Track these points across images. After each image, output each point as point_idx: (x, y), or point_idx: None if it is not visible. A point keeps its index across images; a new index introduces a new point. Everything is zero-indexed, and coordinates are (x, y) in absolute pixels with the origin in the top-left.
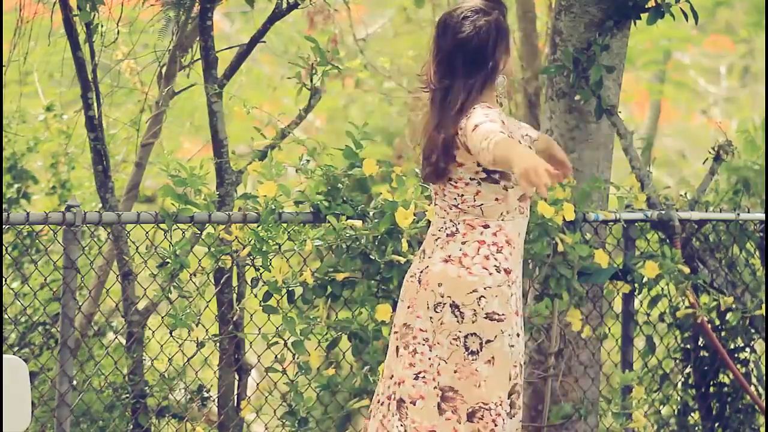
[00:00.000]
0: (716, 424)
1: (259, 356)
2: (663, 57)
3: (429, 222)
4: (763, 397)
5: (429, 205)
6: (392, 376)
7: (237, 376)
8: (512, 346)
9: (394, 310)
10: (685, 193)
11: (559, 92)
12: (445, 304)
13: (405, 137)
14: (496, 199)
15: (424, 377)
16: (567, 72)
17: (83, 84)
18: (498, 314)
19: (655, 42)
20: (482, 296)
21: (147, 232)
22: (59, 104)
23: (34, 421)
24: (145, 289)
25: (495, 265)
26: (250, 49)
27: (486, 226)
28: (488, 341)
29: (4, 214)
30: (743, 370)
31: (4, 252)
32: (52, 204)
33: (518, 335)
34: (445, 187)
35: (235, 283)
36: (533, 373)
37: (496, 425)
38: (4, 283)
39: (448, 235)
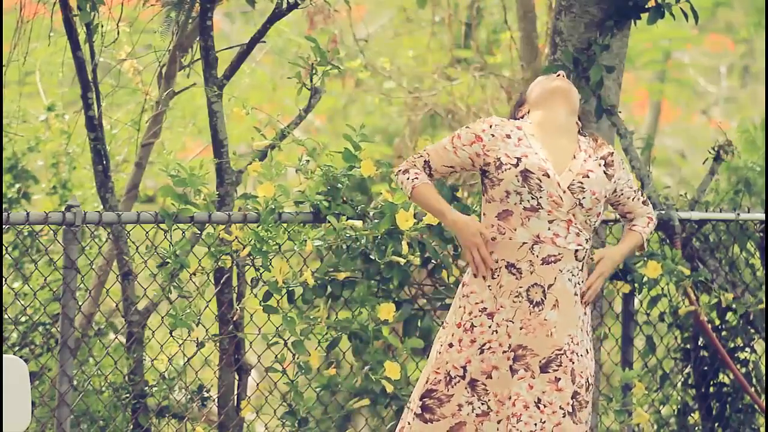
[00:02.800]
0: (716, 424)
1: (259, 356)
2: (663, 57)
3: (429, 224)
4: (763, 397)
5: None
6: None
7: (237, 376)
8: (439, 353)
9: (397, 309)
10: (685, 193)
11: None
12: None
13: (405, 137)
14: (483, 214)
15: None
16: (567, 72)
17: (83, 84)
18: (446, 322)
19: (655, 42)
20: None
21: (147, 232)
22: (60, 104)
23: (34, 421)
24: (145, 289)
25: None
26: (250, 49)
27: None
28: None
29: (5, 214)
30: (743, 370)
31: (4, 252)
32: (53, 204)
33: (450, 345)
34: None
35: (235, 283)
36: None
37: (405, 422)
38: (4, 283)
39: None
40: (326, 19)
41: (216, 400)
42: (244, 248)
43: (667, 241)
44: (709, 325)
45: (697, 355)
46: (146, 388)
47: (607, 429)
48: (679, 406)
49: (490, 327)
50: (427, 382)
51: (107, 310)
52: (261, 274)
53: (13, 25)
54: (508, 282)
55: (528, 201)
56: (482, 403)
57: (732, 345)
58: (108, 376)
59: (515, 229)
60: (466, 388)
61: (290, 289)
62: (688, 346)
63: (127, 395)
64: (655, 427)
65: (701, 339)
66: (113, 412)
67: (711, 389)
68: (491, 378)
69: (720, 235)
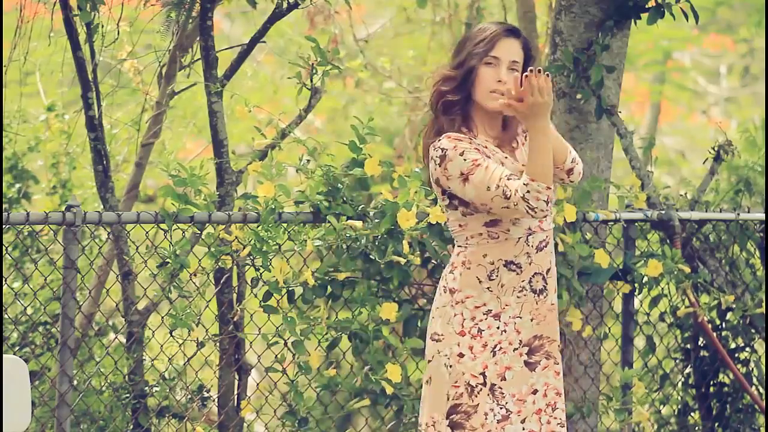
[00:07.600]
0: (716, 424)
1: (259, 356)
2: (663, 57)
3: (430, 223)
4: (763, 397)
5: (430, 206)
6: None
7: (237, 376)
8: (450, 366)
9: (399, 309)
10: (685, 193)
11: (559, 92)
12: None
13: (405, 137)
14: (459, 225)
15: None
16: (567, 72)
17: (83, 84)
18: (438, 334)
19: (655, 42)
20: (432, 317)
21: (147, 232)
22: (60, 104)
23: (34, 421)
24: (145, 289)
25: (443, 286)
26: (251, 49)
27: (458, 248)
28: (429, 361)
29: (5, 214)
30: (743, 370)
31: (4, 252)
32: (53, 204)
33: (461, 355)
34: None
35: (235, 283)
36: None
37: None
38: (4, 283)
39: None
40: (326, 20)
41: (216, 400)
42: (244, 248)
43: (667, 241)
44: (710, 325)
45: (697, 355)
46: (146, 388)
47: (607, 429)
48: (679, 406)
49: (498, 328)
50: (448, 399)
51: (107, 310)
52: (261, 274)
53: (13, 25)
54: (509, 280)
55: None
56: (501, 408)
57: (732, 345)
58: (108, 376)
59: (508, 230)
60: (488, 395)
61: (290, 289)
62: (688, 346)
63: (127, 395)
64: (655, 426)
65: (701, 339)
66: (113, 412)
67: (711, 389)
68: (505, 380)
69: (720, 235)
